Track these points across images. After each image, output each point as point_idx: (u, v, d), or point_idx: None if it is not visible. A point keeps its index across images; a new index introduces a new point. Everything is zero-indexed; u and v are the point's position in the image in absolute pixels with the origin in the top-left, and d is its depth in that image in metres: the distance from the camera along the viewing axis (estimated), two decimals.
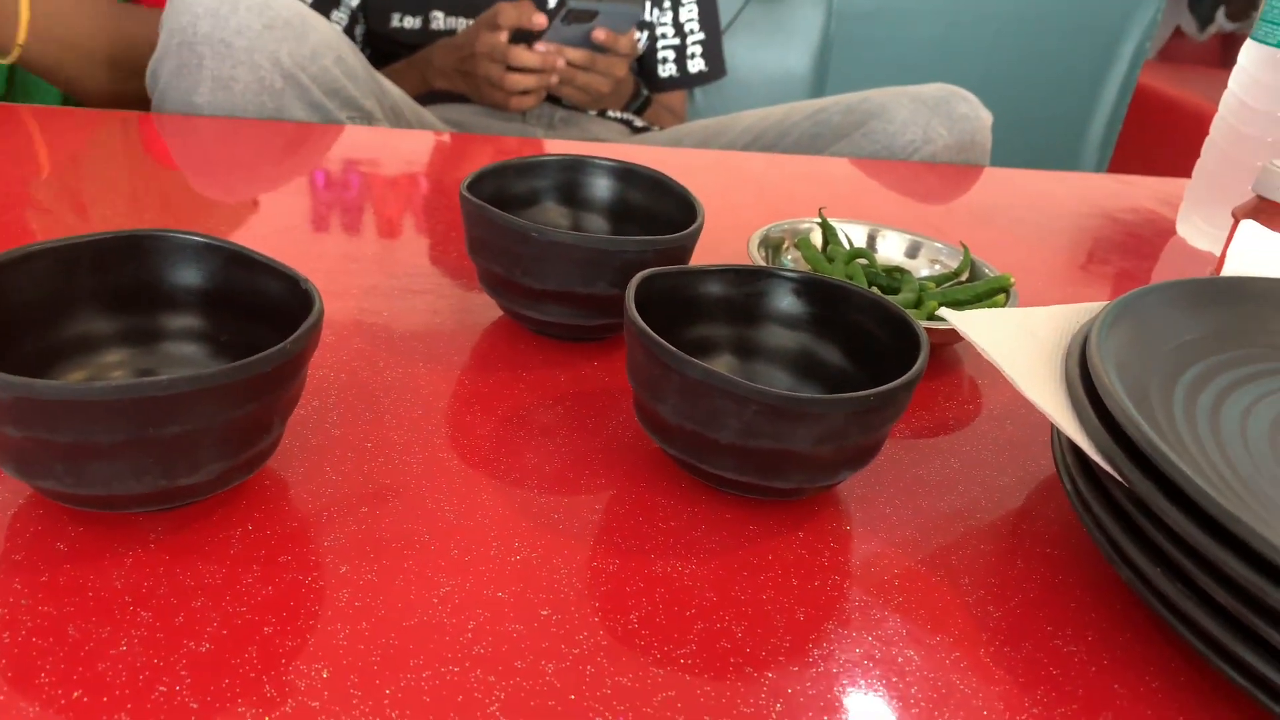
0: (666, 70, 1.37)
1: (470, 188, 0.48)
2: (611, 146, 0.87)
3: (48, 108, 0.77)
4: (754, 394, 0.33)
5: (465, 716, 0.28)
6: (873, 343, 0.41)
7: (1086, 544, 0.39)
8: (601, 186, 0.54)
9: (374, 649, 0.30)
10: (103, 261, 0.37)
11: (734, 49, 1.53)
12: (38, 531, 0.33)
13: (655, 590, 0.33)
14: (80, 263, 0.37)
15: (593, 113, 1.25)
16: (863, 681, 0.31)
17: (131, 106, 0.94)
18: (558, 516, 0.37)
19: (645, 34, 1.33)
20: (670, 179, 0.52)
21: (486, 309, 0.52)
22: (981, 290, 0.53)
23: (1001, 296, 0.53)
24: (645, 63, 1.36)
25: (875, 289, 0.55)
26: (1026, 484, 0.43)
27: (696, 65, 1.38)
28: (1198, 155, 0.81)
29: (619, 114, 1.26)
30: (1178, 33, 2.45)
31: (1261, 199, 0.59)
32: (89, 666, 0.28)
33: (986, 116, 0.94)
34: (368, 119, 0.88)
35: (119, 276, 0.38)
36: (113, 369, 0.38)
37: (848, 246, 0.60)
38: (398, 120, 0.95)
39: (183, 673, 0.28)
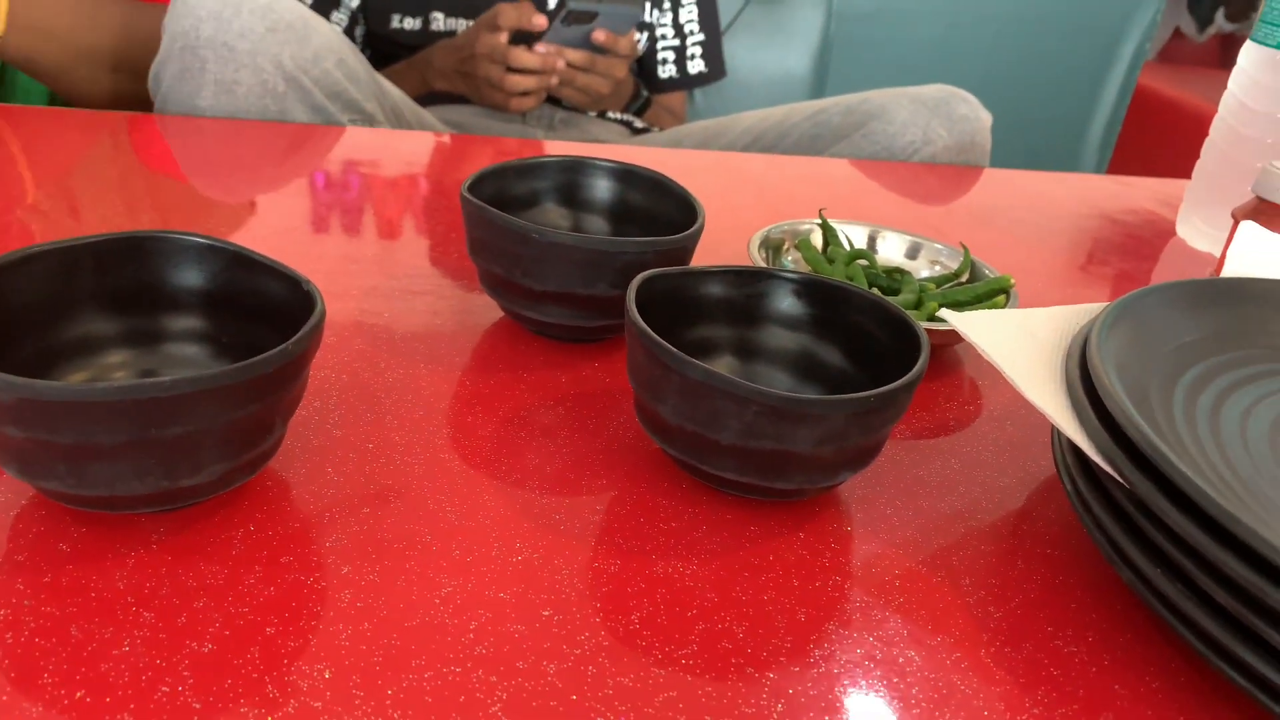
0: (666, 71, 1.37)
1: (471, 189, 0.48)
2: (611, 148, 0.88)
3: (47, 108, 0.77)
4: (755, 395, 0.33)
5: (467, 717, 0.28)
6: (873, 344, 0.42)
7: (1087, 545, 0.39)
8: (602, 188, 0.54)
9: (376, 649, 0.30)
10: (104, 263, 0.37)
11: (734, 50, 1.54)
12: (40, 532, 0.33)
13: (656, 591, 0.34)
14: (82, 264, 0.37)
15: (593, 114, 1.25)
16: (864, 682, 0.31)
17: (131, 107, 0.94)
18: (559, 517, 0.37)
19: (645, 35, 1.33)
20: (670, 180, 0.52)
21: (487, 310, 0.52)
22: (982, 291, 0.53)
23: (1002, 298, 0.54)
24: (645, 64, 1.36)
25: (876, 290, 0.55)
26: (1027, 485, 0.43)
27: (696, 66, 1.38)
28: (1197, 156, 0.81)
29: (619, 115, 1.26)
30: (1177, 34, 2.45)
31: (1261, 200, 0.59)
32: (92, 667, 0.28)
33: (986, 117, 0.94)
34: (369, 121, 0.88)
35: (121, 278, 0.38)
36: (115, 370, 0.38)
37: (848, 248, 0.60)
38: (398, 122, 0.95)
39: (185, 673, 0.28)
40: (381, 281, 0.54)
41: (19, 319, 0.35)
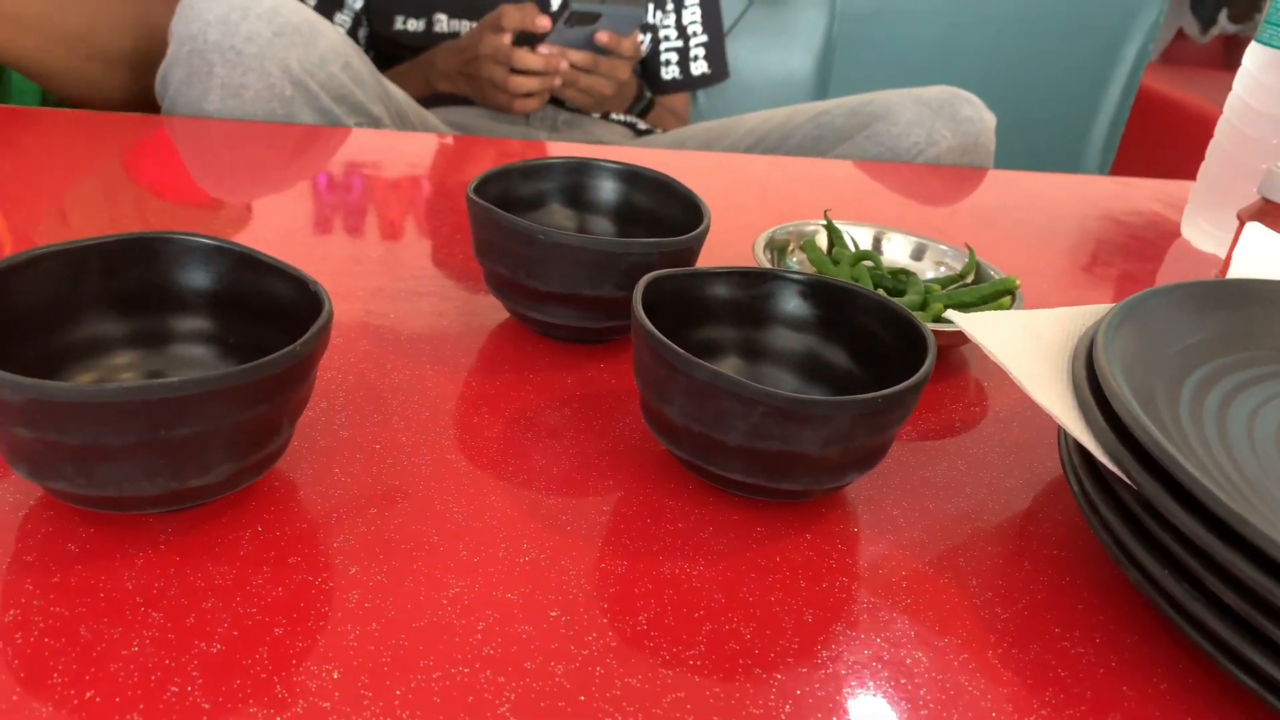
0: (669, 72, 1.37)
1: (477, 190, 0.48)
2: (614, 149, 0.88)
3: (47, 109, 0.77)
4: (761, 396, 0.33)
5: (475, 717, 0.28)
6: (879, 345, 0.42)
7: (1094, 546, 0.39)
8: (607, 189, 0.55)
9: (384, 650, 0.30)
10: (112, 264, 0.37)
11: (737, 51, 1.54)
12: (49, 533, 0.33)
13: (664, 591, 0.34)
14: (89, 265, 0.37)
15: (596, 115, 1.25)
16: (871, 683, 0.31)
17: (129, 108, 0.94)
18: (566, 518, 0.37)
19: (648, 36, 1.33)
20: (676, 181, 0.53)
21: (493, 311, 0.52)
22: (987, 292, 0.53)
23: (1007, 299, 0.53)
24: (648, 65, 1.36)
25: (881, 291, 0.55)
26: (1033, 486, 0.43)
27: (699, 67, 1.38)
28: (1200, 157, 0.81)
29: (622, 116, 1.27)
30: (1180, 35, 2.45)
31: (1266, 201, 0.59)
32: (101, 667, 0.28)
33: (990, 119, 0.94)
34: (375, 124, 0.88)
35: (128, 279, 0.38)
36: (122, 371, 0.38)
37: (853, 249, 0.60)
38: (403, 124, 0.95)
39: (194, 673, 0.28)
40: (387, 283, 0.54)
41: (27, 320, 0.35)
